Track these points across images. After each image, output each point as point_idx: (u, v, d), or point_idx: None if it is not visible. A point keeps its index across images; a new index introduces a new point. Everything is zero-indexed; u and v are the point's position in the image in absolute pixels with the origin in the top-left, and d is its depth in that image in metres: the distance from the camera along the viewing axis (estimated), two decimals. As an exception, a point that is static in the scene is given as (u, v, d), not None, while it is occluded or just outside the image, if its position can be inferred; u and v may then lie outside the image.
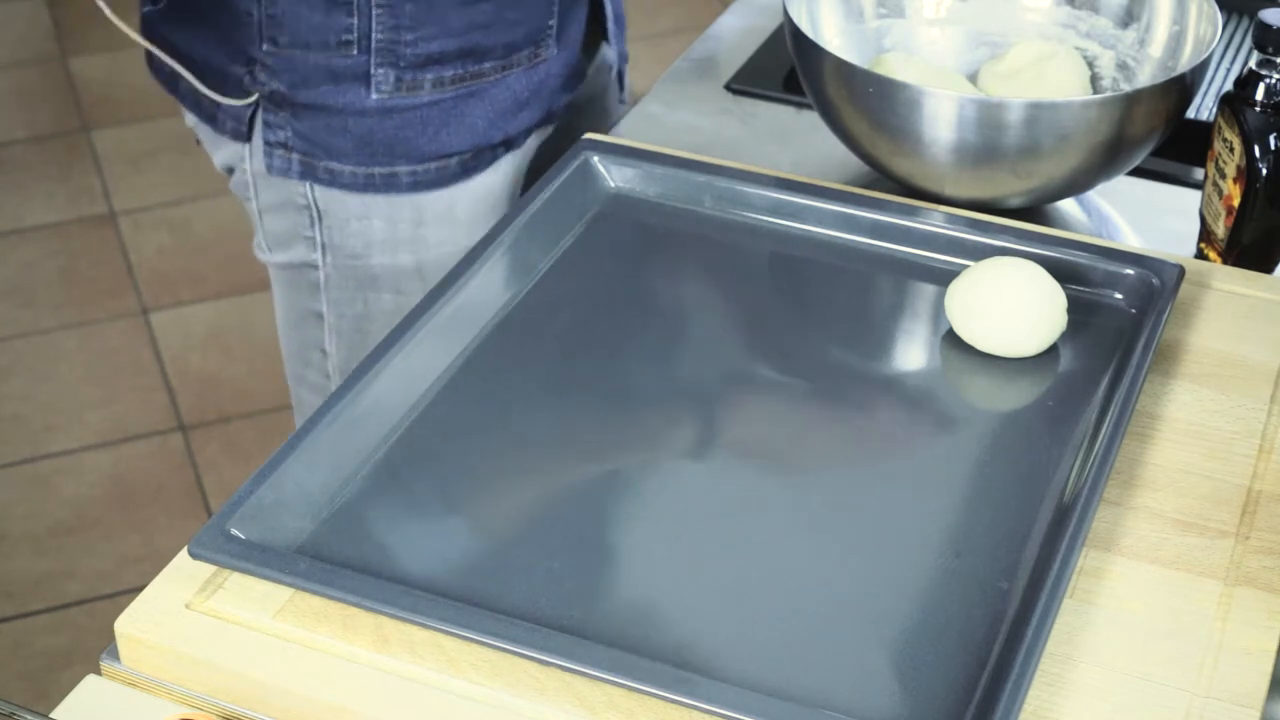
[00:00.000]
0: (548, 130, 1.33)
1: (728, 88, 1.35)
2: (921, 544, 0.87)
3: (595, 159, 1.14)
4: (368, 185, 1.25)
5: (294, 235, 1.30)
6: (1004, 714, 0.74)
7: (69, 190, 2.89)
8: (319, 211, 1.27)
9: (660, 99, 1.34)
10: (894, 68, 1.17)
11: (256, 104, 1.25)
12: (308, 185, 1.26)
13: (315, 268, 1.31)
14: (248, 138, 1.27)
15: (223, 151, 1.31)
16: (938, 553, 0.86)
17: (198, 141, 1.36)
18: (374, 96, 1.22)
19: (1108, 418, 0.91)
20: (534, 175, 1.33)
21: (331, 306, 1.33)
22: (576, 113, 1.37)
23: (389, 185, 1.25)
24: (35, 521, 2.22)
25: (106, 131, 3.05)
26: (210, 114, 1.29)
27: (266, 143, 1.25)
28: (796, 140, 1.28)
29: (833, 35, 1.23)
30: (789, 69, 1.34)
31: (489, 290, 1.03)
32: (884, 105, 1.09)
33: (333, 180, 1.25)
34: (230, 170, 1.32)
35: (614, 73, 1.41)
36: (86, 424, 2.38)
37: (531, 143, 1.32)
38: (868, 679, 0.79)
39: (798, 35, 1.14)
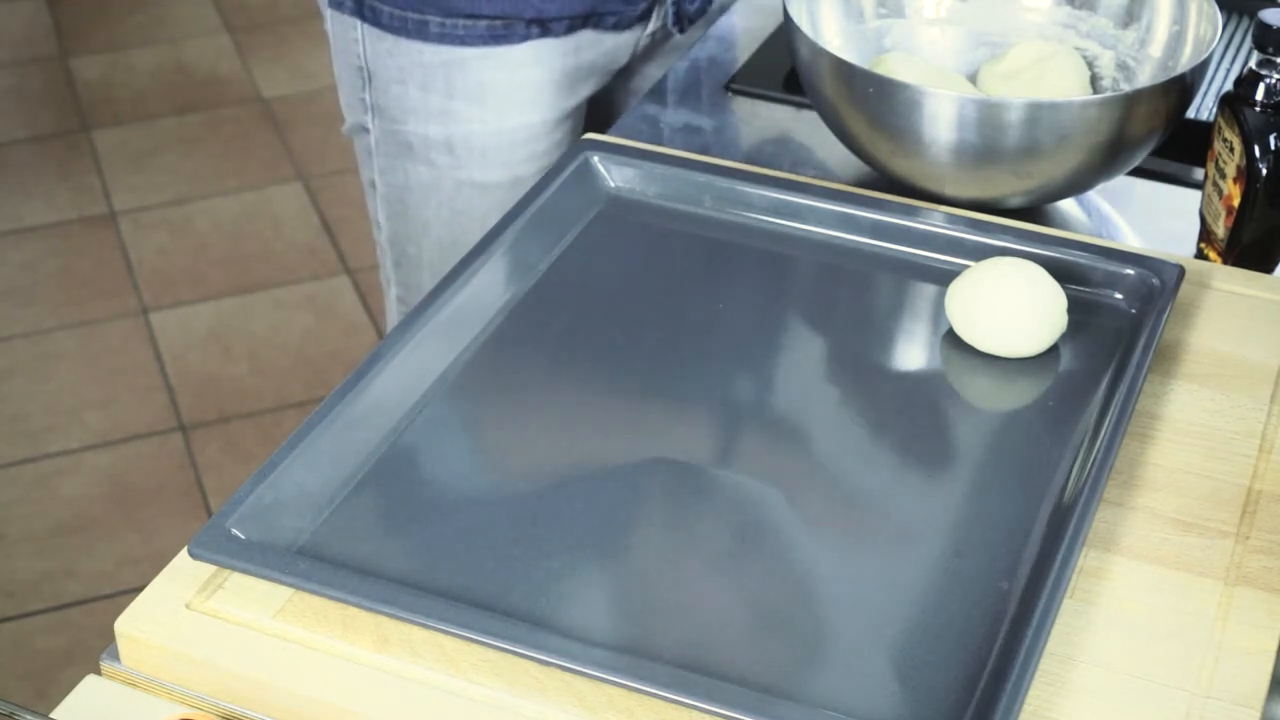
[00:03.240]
0: (595, 52, 1.38)
1: (728, 88, 1.35)
2: (921, 544, 0.87)
3: (595, 159, 1.14)
4: (401, 28, 1.34)
5: (354, 99, 1.42)
6: (1004, 714, 0.74)
7: (69, 190, 2.89)
8: (370, 72, 1.38)
9: (660, 99, 1.34)
10: (894, 68, 1.17)
11: None
12: (361, 42, 1.37)
13: (367, 131, 1.42)
14: None
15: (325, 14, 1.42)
16: (938, 553, 0.86)
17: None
18: None
19: (1108, 418, 0.91)
20: (581, 119, 1.43)
21: (380, 174, 1.44)
22: (627, 74, 1.42)
23: (420, 31, 1.34)
24: (35, 521, 2.22)
25: (106, 131, 3.05)
26: None
27: None
28: (796, 140, 1.28)
29: (833, 35, 1.23)
30: (789, 69, 1.34)
31: (489, 290, 1.03)
32: (884, 105, 1.09)
33: (375, 19, 1.35)
34: (322, 19, 1.44)
35: (671, 13, 1.43)
36: (86, 424, 2.38)
37: (564, 58, 1.36)
38: (868, 679, 0.79)
39: (798, 35, 1.14)
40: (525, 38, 1.33)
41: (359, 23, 1.37)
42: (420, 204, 1.42)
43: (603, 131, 1.52)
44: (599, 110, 1.50)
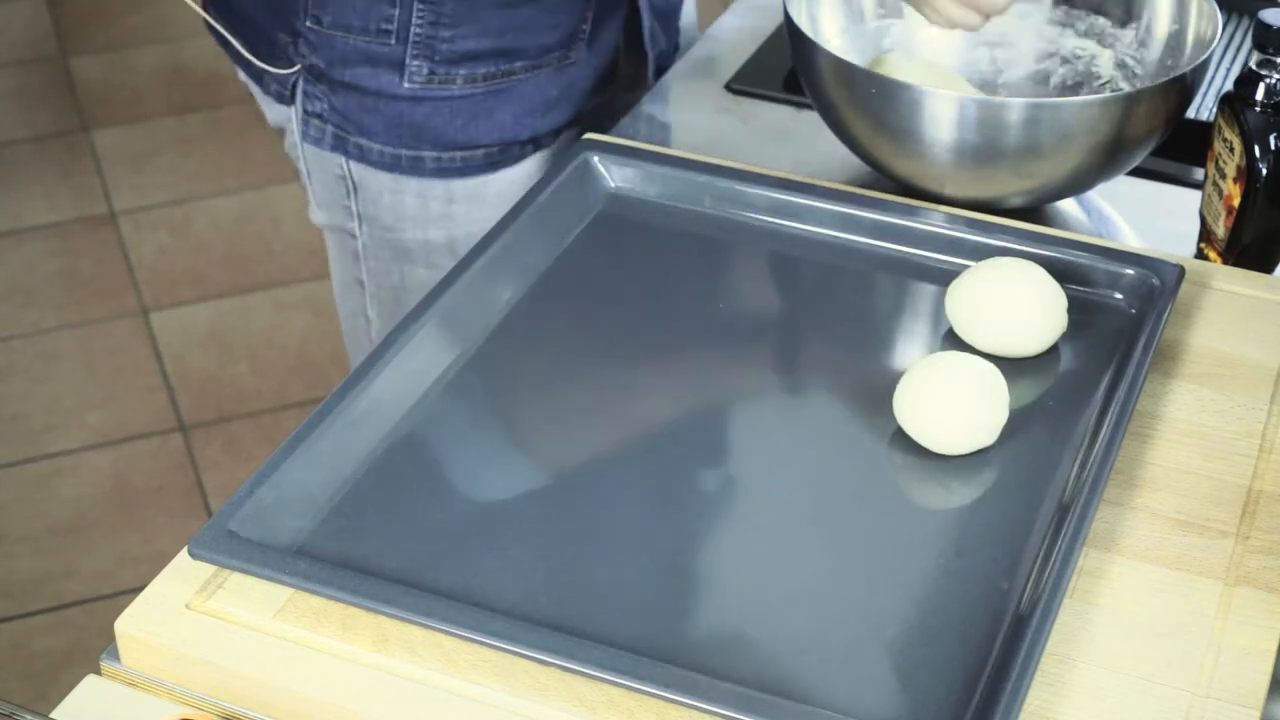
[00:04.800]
0: (576, 129, 1.34)
1: (728, 88, 1.35)
2: (921, 544, 0.87)
3: (595, 159, 1.14)
4: (395, 166, 1.29)
5: (335, 202, 1.34)
6: (1004, 714, 0.74)
7: (69, 190, 2.89)
8: (354, 183, 1.32)
9: (660, 99, 1.34)
10: (894, 68, 1.17)
11: (299, 73, 1.29)
12: (344, 160, 1.30)
13: (354, 236, 1.35)
14: (291, 102, 1.31)
15: (273, 111, 1.35)
16: (938, 553, 0.86)
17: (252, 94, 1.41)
18: (406, 85, 1.25)
19: (1108, 418, 0.91)
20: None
21: (370, 276, 1.37)
22: (611, 116, 1.38)
23: (415, 169, 1.29)
24: (35, 521, 2.22)
25: (106, 131, 3.05)
26: (258, 75, 1.33)
27: (305, 111, 1.30)
28: (796, 140, 1.28)
29: (833, 35, 1.23)
30: (789, 69, 1.34)
31: (489, 290, 1.03)
32: (885, 105, 1.09)
33: (362, 156, 1.29)
34: (281, 131, 1.36)
35: (650, 73, 1.41)
36: (86, 424, 2.38)
37: (561, 142, 1.33)
38: (868, 679, 0.79)
39: (798, 35, 1.14)
40: (521, 158, 1.31)
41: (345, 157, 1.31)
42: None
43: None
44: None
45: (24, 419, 2.39)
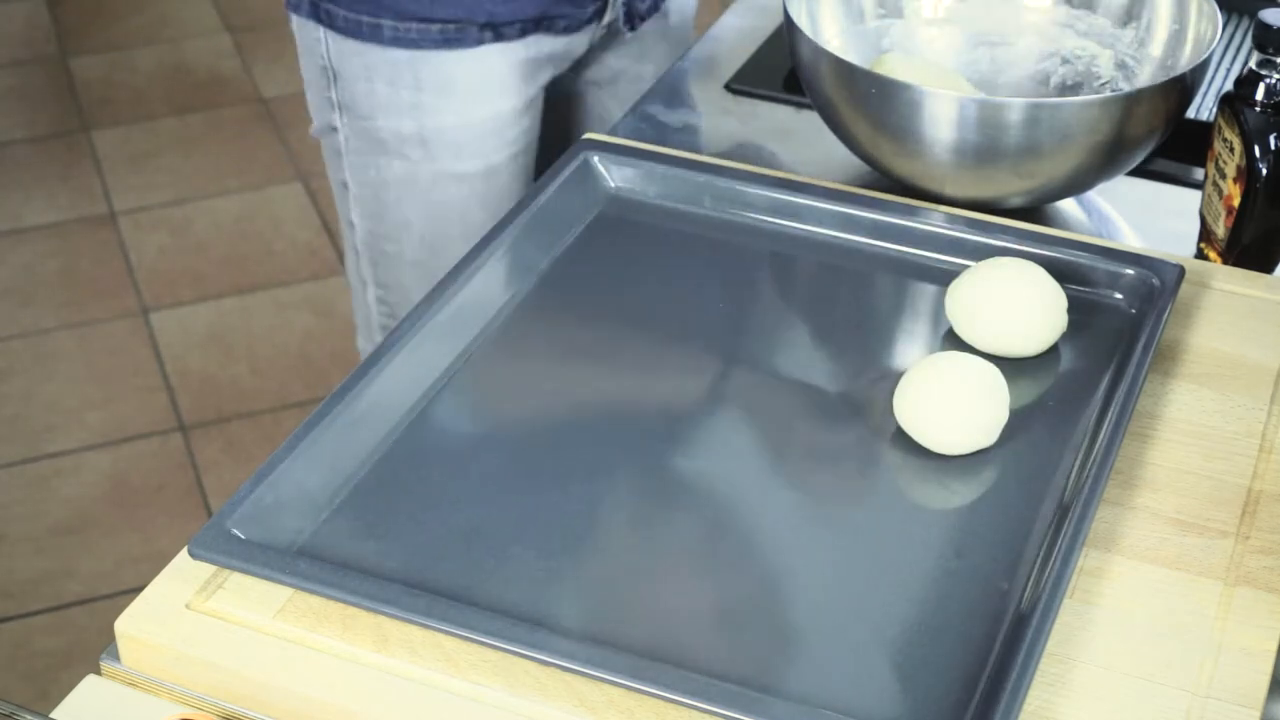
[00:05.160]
0: (551, 47, 1.38)
1: (728, 88, 1.35)
2: (921, 544, 0.87)
3: (595, 159, 1.14)
4: (356, 31, 1.35)
5: (320, 96, 1.42)
6: (1004, 714, 0.74)
7: (69, 190, 2.89)
8: (334, 71, 1.39)
9: (660, 99, 1.34)
10: (894, 67, 1.17)
11: None
12: (324, 43, 1.38)
13: (336, 130, 1.42)
14: None
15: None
16: (938, 553, 0.86)
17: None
18: None
19: (1108, 418, 0.91)
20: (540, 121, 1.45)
21: (352, 174, 1.44)
22: (584, 64, 1.43)
23: (374, 35, 1.35)
24: (35, 521, 2.22)
25: (106, 131, 3.05)
26: None
27: None
28: (796, 140, 1.28)
29: (833, 35, 1.23)
30: (789, 69, 1.34)
31: (489, 290, 1.03)
32: (885, 105, 1.09)
33: (330, 22, 1.37)
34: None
35: (620, 14, 1.44)
36: (86, 424, 2.38)
37: (528, 51, 1.37)
38: (868, 679, 0.79)
39: (798, 35, 1.14)
40: (479, 42, 1.35)
41: (319, 24, 1.38)
42: (397, 200, 1.42)
43: (568, 125, 1.53)
44: (560, 101, 1.51)
45: (24, 419, 2.39)
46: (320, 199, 2.84)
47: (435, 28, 1.34)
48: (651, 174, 1.13)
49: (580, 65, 1.49)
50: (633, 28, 1.45)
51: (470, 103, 1.37)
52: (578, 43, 1.42)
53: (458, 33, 1.34)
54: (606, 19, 1.42)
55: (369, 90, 1.38)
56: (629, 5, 1.43)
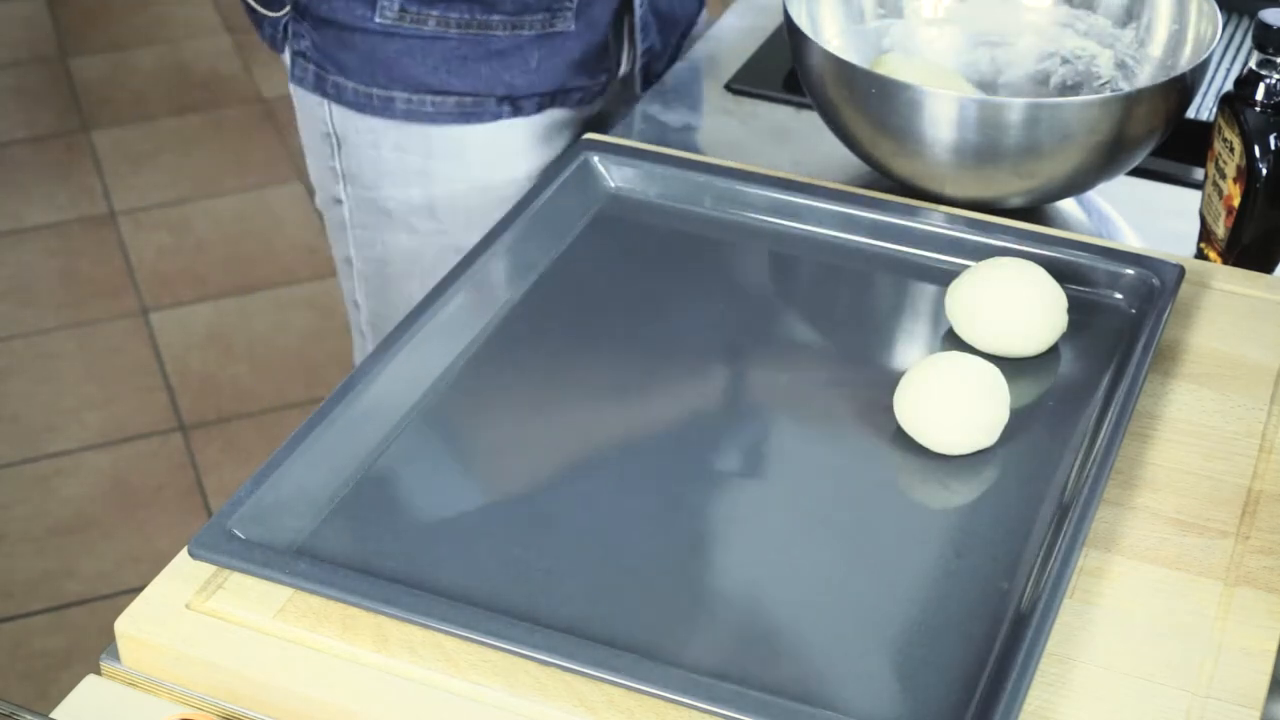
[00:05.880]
0: (567, 116, 1.34)
1: (728, 88, 1.35)
2: (921, 544, 0.87)
3: (595, 159, 1.14)
4: (366, 105, 1.30)
5: (322, 166, 1.37)
6: (1004, 714, 0.74)
7: (69, 190, 2.89)
8: (338, 139, 1.34)
9: (660, 99, 1.34)
10: (894, 67, 1.17)
11: (289, 14, 1.32)
12: (327, 109, 1.32)
13: (340, 202, 1.37)
14: (283, 48, 1.34)
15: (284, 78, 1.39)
16: (938, 553, 0.86)
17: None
18: (378, 19, 1.27)
19: (1108, 418, 0.91)
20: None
21: (357, 249, 1.38)
22: (605, 121, 1.38)
23: (386, 109, 1.30)
24: (35, 521, 2.22)
25: (106, 131, 3.05)
26: (258, 21, 1.36)
27: (292, 51, 1.33)
28: (796, 140, 1.28)
29: (833, 35, 1.23)
30: (789, 69, 1.34)
31: (489, 290, 1.03)
32: (885, 106, 1.09)
33: (339, 96, 1.31)
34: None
35: (637, 69, 1.39)
36: (86, 424, 2.38)
37: (545, 120, 1.32)
38: (868, 679, 0.79)
39: (798, 35, 1.14)
40: (496, 116, 1.30)
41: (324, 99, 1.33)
42: (402, 276, 1.37)
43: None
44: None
45: (24, 419, 2.39)
46: (320, 199, 2.84)
47: (452, 100, 1.29)
48: (651, 174, 1.13)
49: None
50: (646, 79, 1.40)
51: (485, 169, 1.32)
52: (595, 108, 1.37)
53: (474, 106, 1.29)
54: (621, 73, 1.37)
55: (376, 157, 1.32)
56: (646, 67, 1.39)
